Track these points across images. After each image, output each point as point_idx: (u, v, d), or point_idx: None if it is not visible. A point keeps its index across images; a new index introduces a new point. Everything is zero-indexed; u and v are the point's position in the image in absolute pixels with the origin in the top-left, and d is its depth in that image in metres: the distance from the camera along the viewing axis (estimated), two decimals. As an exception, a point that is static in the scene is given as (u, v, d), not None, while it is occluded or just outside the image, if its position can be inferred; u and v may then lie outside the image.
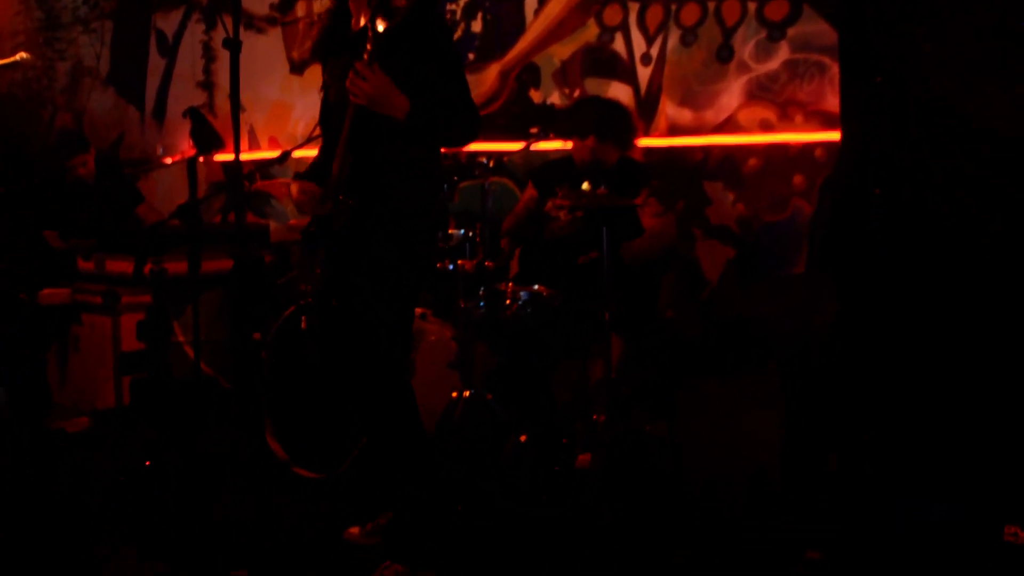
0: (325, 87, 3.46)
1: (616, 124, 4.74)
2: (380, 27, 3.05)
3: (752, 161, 4.99)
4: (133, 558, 3.56)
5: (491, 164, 4.15)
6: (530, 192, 4.87)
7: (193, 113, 6.92)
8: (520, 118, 5.64)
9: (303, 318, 4.19)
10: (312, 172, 3.51)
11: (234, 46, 3.06)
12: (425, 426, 4.12)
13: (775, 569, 3.30)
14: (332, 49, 3.43)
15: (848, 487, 3.38)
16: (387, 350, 3.30)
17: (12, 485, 4.19)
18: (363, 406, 3.42)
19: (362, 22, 3.33)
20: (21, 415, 5.01)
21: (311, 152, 3.66)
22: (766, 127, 4.97)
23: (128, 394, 5.56)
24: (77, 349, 5.69)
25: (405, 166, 3.27)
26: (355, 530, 3.65)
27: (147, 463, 4.42)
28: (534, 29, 5.62)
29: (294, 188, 3.41)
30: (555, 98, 5.57)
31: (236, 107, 3.09)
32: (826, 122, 4.78)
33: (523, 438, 4.01)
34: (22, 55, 4.64)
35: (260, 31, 6.72)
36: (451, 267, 4.08)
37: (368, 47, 3.11)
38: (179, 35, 7.20)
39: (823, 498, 3.40)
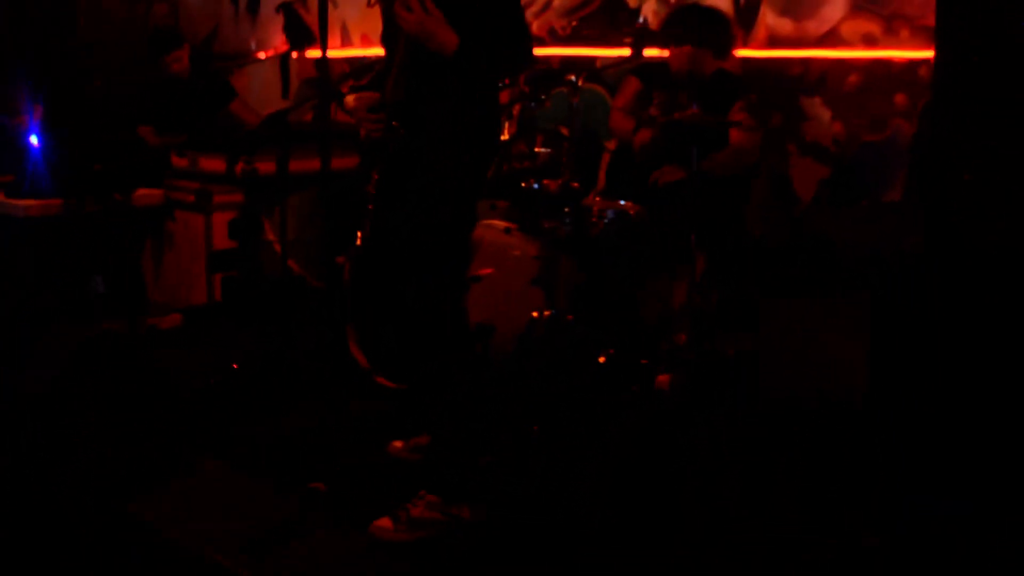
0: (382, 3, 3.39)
1: (713, 33, 4.62)
2: None
3: (853, 77, 4.80)
4: (218, 468, 3.67)
5: (580, 82, 4.06)
6: (633, 85, 4.79)
7: (286, 8, 6.99)
8: (615, 24, 5.51)
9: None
10: (371, 83, 3.46)
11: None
12: (508, 339, 4.17)
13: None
14: None
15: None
16: (431, 277, 3.27)
17: (104, 385, 4.31)
18: (416, 324, 3.41)
19: None
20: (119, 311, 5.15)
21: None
22: (869, 41, 4.76)
23: (219, 291, 5.68)
24: (171, 245, 5.79)
25: (456, 95, 3.19)
26: (399, 444, 3.68)
27: (234, 366, 4.52)
28: (632, -69, 5.44)
29: (350, 99, 3.34)
30: (651, 4, 5.40)
31: (324, 31, 3.04)
32: (933, 38, 4.55)
33: (602, 359, 4.02)
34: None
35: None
36: (536, 185, 4.03)
37: None
38: (275, -72, 7.14)
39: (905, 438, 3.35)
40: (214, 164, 5.81)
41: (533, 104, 4.06)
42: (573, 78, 4.05)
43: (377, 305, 3.49)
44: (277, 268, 5.96)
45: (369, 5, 3.43)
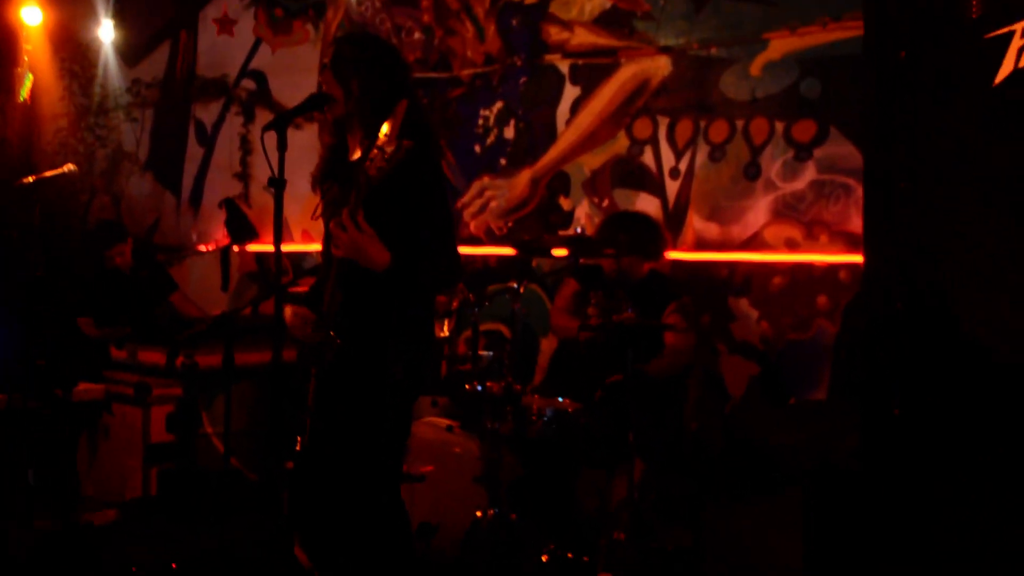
0: (322, 213, 3.53)
1: (645, 238, 4.84)
2: (367, 177, 3.07)
3: (777, 279, 5.06)
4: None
5: (521, 290, 4.24)
6: (572, 287, 4.97)
7: (229, 204, 7.15)
8: (549, 227, 5.76)
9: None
10: (309, 296, 3.58)
11: (279, 185, 3.16)
12: (451, 538, 4.21)
13: None
14: (328, 178, 3.52)
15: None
16: (372, 481, 3.33)
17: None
18: (355, 531, 3.45)
19: (356, 154, 3.42)
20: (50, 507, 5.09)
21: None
22: (792, 246, 5.04)
23: (155, 485, 5.65)
24: (107, 438, 5.77)
25: (391, 307, 3.31)
26: None
27: (173, 565, 4.48)
28: (565, 139, 5.75)
29: (288, 312, 3.45)
30: (584, 207, 5.67)
31: (279, 238, 3.17)
32: (851, 243, 4.85)
33: (544, 558, 4.07)
34: (69, 167, 4.78)
35: (297, 127, 6.87)
36: (479, 388, 4.15)
37: (353, 195, 3.15)
38: (217, 126, 7.37)
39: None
40: (154, 357, 5.87)
41: (476, 309, 4.21)
42: (515, 285, 4.22)
43: (317, 508, 3.52)
44: (213, 461, 5.97)
45: (313, 218, 3.60)
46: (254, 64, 7.16)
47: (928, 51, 2.42)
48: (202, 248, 7.32)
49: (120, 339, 6.10)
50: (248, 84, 7.19)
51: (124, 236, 6.55)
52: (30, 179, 4.70)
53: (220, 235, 7.20)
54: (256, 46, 7.16)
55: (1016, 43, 2.20)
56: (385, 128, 3.02)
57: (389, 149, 3.00)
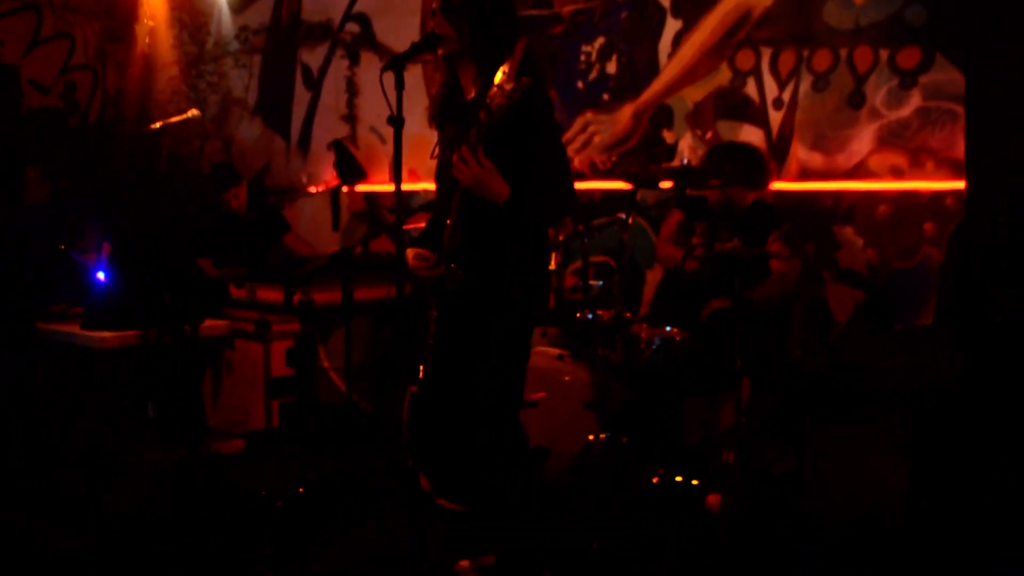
0: (438, 151, 3.67)
1: (750, 168, 4.90)
2: (488, 114, 3.21)
3: (883, 207, 5.07)
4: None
5: (630, 221, 4.34)
6: (677, 217, 5.07)
7: (337, 145, 7.36)
8: (653, 158, 5.83)
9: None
10: (425, 235, 3.74)
11: (398, 123, 3.31)
12: (564, 462, 4.37)
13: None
14: (445, 117, 3.66)
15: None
16: (497, 404, 3.51)
17: (175, 509, 4.52)
18: (478, 450, 3.63)
19: (472, 93, 3.53)
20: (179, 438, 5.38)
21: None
22: (897, 174, 5.05)
23: (277, 416, 5.93)
24: (230, 372, 6.05)
25: (510, 240, 3.45)
26: (465, 563, 3.82)
27: (300, 490, 4.73)
28: (668, 72, 5.79)
29: (409, 254, 3.59)
30: (687, 139, 5.73)
31: (399, 176, 3.31)
32: (957, 170, 4.83)
33: (655, 479, 4.21)
34: (193, 112, 4.99)
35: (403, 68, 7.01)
36: (590, 316, 4.28)
37: (473, 132, 3.29)
38: (324, 70, 7.54)
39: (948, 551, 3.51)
40: (272, 295, 6.12)
41: (585, 240, 4.33)
42: (624, 215, 4.33)
43: (438, 433, 3.69)
44: (331, 394, 6.22)
45: (432, 157, 3.74)
46: (357, 8, 7.29)
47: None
48: (312, 189, 7.53)
49: (238, 278, 6.36)
50: (352, 27, 7.33)
51: (239, 179, 6.80)
52: (157, 125, 4.92)
53: (329, 176, 7.40)
54: (359, -11, 7.29)
55: None
56: (504, 67, 3.14)
57: (508, 87, 3.12)
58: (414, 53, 3.49)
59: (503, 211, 3.35)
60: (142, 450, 4.88)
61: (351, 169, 7.23)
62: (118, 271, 5.41)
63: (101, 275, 5.53)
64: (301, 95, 7.72)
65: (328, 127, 7.51)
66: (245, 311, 6.08)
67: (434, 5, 3.53)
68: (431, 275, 3.54)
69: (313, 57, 7.60)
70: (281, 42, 7.79)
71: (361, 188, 7.25)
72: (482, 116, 3.23)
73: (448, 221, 3.49)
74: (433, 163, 3.74)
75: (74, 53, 8.46)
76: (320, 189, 7.48)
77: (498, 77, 3.18)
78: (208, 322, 5.50)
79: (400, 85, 3.31)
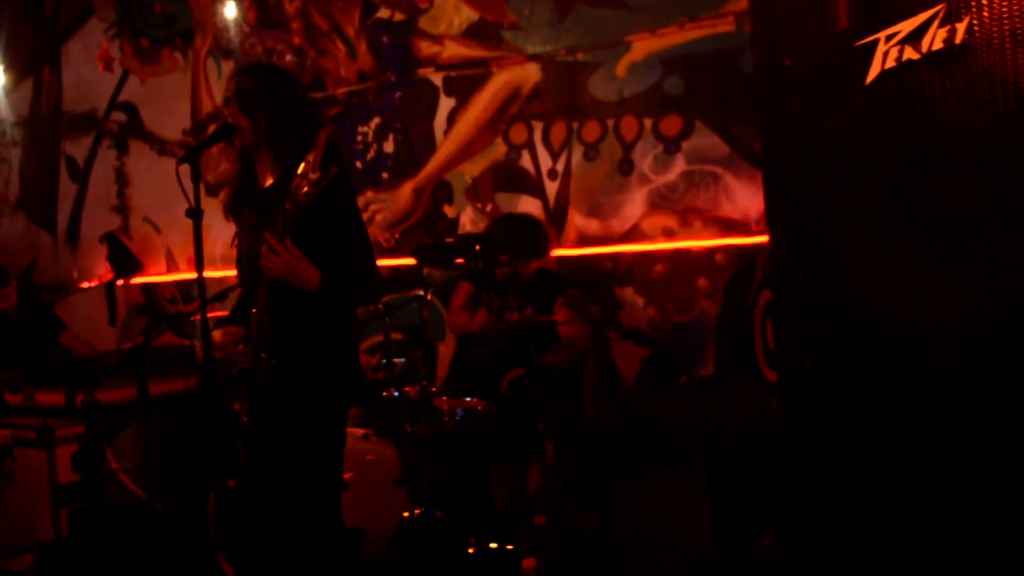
0: (239, 240, 3.65)
1: (532, 238, 5.08)
2: (295, 203, 3.21)
3: (658, 266, 5.37)
4: None
5: (429, 297, 4.43)
6: (467, 288, 5.18)
7: (110, 238, 7.17)
8: (434, 234, 5.96)
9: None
10: (233, 319, 3.70)
11: (196, 215, 3.30)
12: (379, 539, 4.38)
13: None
14: (242, 205, 3.65)
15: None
16: (316, 492, 3.49)
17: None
18: (299, 543, 3.61)
19: (269, 180, 3.55)
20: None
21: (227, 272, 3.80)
22: (669, 234, 5.36)
23: (67, 525, 5.66)
24: (12, 484, 5.75)
25: (321, 325, 3.47)
26: None
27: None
28: (445, 148, 5.96)
29: (216, 334, 3.56)
30: (468, 213, 5.89)
31: (200, 266, 3.30)
32: (724, 227, 5.18)
33: (471, 550, 4.28)
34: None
35: (174, 156, 6.92)
36: (396, 394, 4.33)
37: (280, 220, 3.28)
38: (90, 160, 7.35)
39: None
40: (51, 398, 5.86)
41: (388, 319, 4.40)
42: (422, 292, 4.42)
43: (259, 525, 3.64)
44: (122, 495, 5.99)
45: (232, 246, 3.73)
46: (123, 96, 7.17)
47: (808, 58, 2.74)
48: (85, 285, 7.28)
49: (13, 383, 6.06)
50: (119, 116, 7.19)
51: (7, 278, 6.49)
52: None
53: (102, 270, 7.19)
54: (124, 79, 7.16)
55: (881, 48, 2.53)
56: (309, 156, 3.18)
57: (314, 176, 3.16)
58: (209, 144, 3.50)
59: (316, 296, 3.37)
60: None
61: (126, 261, 7.06)
62: None
63: None
64: (67, 188, 7.49)
65: (98, 219, 7.31)
66: (23, 417, 5.80)
67: (227, 94, 3.54)
68: (241, 359, 3.51)
69: (78, 148, 7.41)
70: (43, 134, 7.54)
71: (138, 280, 7.07)
72: (288, 206, 3.26)
73: (254, 309, 3.48)
74: (214, 250, 3.72)
75: None
76: (93, 284, 7.25)
77: (301, 167, 3.22)
78: (-15, 433, 5.23)
79: (197, 177, 3.32)
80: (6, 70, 7.45)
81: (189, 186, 3.27)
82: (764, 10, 2.81)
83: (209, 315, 4.81)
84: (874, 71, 2.56)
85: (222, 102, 3.69)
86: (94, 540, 5.58)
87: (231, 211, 3.71)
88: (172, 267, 6.99)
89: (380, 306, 4.37)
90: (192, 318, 5.02)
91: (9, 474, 5.72)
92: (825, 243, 2.72)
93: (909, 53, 2.51)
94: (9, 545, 5.51)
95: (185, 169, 3.30)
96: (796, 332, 2.83)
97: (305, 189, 3.16)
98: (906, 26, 2.52)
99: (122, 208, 7.21)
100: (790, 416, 2.91)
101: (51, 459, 5.64)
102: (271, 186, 3.54)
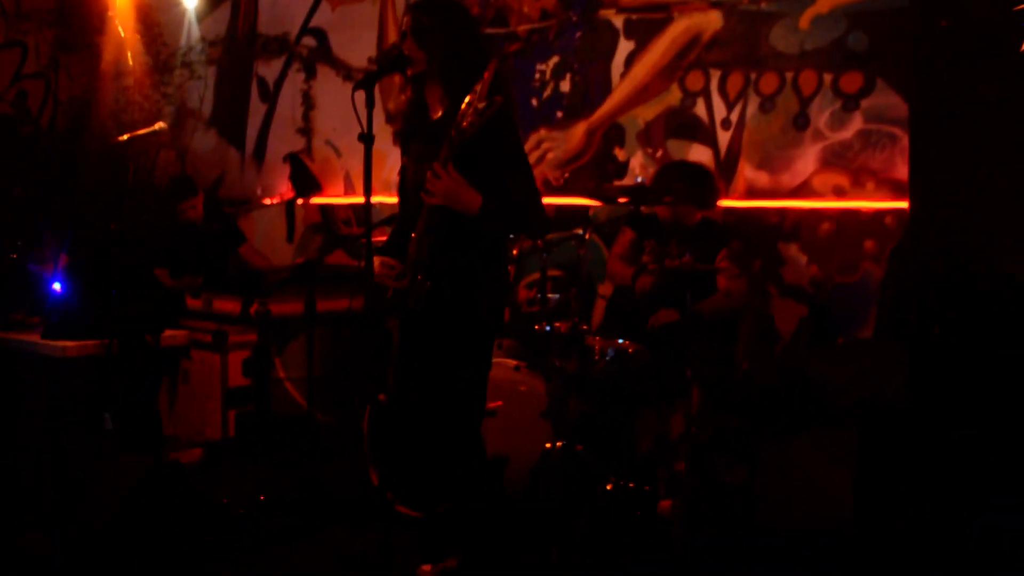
0: (403, 169, 3.82)
1: (699, 187, 5.08)
2: (460, 130, 3.36)
3: (825, 225, 5.29)
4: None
5: (587, 236, 4.50)
6: (629, 235, 5.23)
7: (293, 158, 7.45)
8: (605, 176, 6.00)
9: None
10: (389, 246, 3.86)
11: (368, 140, 3.44)
12: (520, 469, 4.51)
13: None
14: (410, 135, 3.81)
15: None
16: (460, 415, 3.65)
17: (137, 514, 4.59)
18: (441, 461, 3.76)
19: (438, 112, 3.69)
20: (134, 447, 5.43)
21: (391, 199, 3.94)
22: (839, 193, 5.26)
23: (233, 426, 6.00)
24: (186, 382, 6.10)
25: (476, 252, 3.61)
26: (427, 568, 3.91)
27: (262, 497, 4.82)
28: (620, 91, 5.97)
29: (376, 262, 3.71)
30: (638, 157, 5.90)
31: (369, 190, 3.44)
32: (897, 190, 5.06)
33: (609, 486, 4.36)
34: (160, 125, 5.06)
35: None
36: (548, 328, 4.43)
37: (445, 147, 3.44)
38: (279, 83, 7.63)
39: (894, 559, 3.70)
40: (228, 305, 6.19)
41: (545, 255, 4.49)
42: (581, 231, 4.49)
43: (401, 442, 3.81)
44: (286, 405, 6.30)
45: (398, 173, 3.88)
46: (314, 22, 7.40)
47: (966, 19, 2.67)
48: (267, 201, 7.61)
49: (195, 289, 6.42)
50: (309, 41, 7.43)
51: (196, 190, 6.84)
52: (125, 137, 4.98)
53: (284, 188, 7.49)
54: (316, 4, 7.38)
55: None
56: (476, 86, 3.29)
57: (480, 105, 3.27)
58: (384, 72, 3.64)
59: (475, 221, 3.48)
60: (109, 458, 4.92)
61: (307, 182, 7.31)
62: (77, 282, 5.44)
63: (57, 286, 5.57)
64: (256, 107, 7.80)
65: (283, 139, 7.60)
66: (201, 322, 6.14)
67: (404, 27, 3.66)
68: (396, 285, 3.66)
69: (269, 70, 7.69)
70: (237, 55, 7.86)
71: (316, 201, 7.34)
72: (453, 132, 3.38)
73: (414, 233, 3.62)
74: (391, 177, 3.86)
75: (26, 61, 8.46)
76: (275, 201, 7.56)
77: (472, 94, 3.33)
78: (167, 332, 5.56)
79: (371, 103, 3.46)
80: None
81: (363, 112, 3.41)
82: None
83: (376, 239, 5.02)
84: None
85: (398, 35, 3.81)
86: (259, 443, 5.91)
87: (400, 138, 3.86)
88: (349, 190, 7.23)
89: (540, 242, 4.47)
90: (361, 240, 5.19)
91: (184, 374, 6.08)
92: (969, 211, 2.66)
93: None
94: (180, 438, 5.89)
95: (360, 95, 3.44)
96: (928, 296, 2.79)
97: (471, 118, 3.26)
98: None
99: (306, 130, 7.47)
100: (916, 378, 2.87)
101: (224, 363, 5.98)
102: (439, 118, 3.66)
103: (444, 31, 3.60)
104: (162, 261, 6.69)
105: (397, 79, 6.97)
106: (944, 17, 2.65)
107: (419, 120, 3.78)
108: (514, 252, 4.87)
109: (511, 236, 4.20)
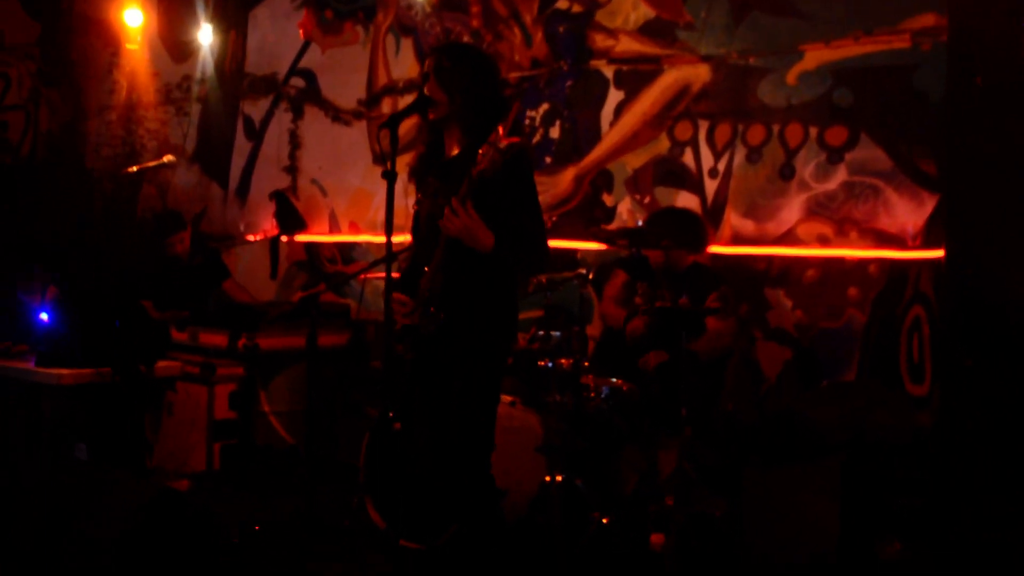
0: (418, 203, 3.94)
1: (690, 232, 5.23)
2: (480, 169, 3.49)
3: (810, 272, 5.46)
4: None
5: (590, 276, 4.63)
6: (621, 277, 5.36)
7: (278, 196, 7.55)
8: (592, 220, 6.15)
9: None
10: (401, 282, 3.97)
11: (391, 176, 3.55)
12: (516, 502, 4.60)
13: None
14: (426, 172, 3.93)
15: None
16: (470, 447, 3.73)
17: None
18: (449, 492, 3.84)
19: (455, 151, 3.82)
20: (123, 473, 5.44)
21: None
22: (823, 241, 5.44)
23: (219, 459, 6.03)
24: (171, 414, 6.13)
25: (488, 287, 3.73)
26: None
27: (256, 528, 4.86)
28: (609, 139, 6.14)
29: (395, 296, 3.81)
30: (626, 203, 6.06)
31: (390, 226, 3.54)
32: (879, 240, 5.25)
33: (605, 520, 4.46)
34: (169, 157, 5.14)
35: (346, 124, 7.26)
36: (550, 364, 4.54)
37: (464, 185, 3.57)
38: (266, 121, 7.74)
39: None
40: (215, 339, 6.26)
41: (549, 293, 4.62)
42: (584, 271, 4.63)
43: (406, 474, 3.89)
44: (270, 438, 6.34)
45: (412, 208, 3.99)
46: (303, 63, 7.52)
47: (1000, 76, 2.85)
48: (251, 238, 7.68)
49: (180, 321, 6.47)
50: (297, 82, 7.55)
51: (184, 225, 6.90)
52: (134, 169, 5.06)
53: (268, 225, 7.57)
54: (306, 46, 7.52)
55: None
56: (500, 127, 3.43)
57: (503, 145, 3.41)
58: (407, 113, 3.75)
59: (488, 258, 3.60)
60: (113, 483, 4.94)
61: (292, 219, 7.42)
62: (68, 311, 5.48)
63: (44, 316, 5.60)
64: (241, 145, 7.89)
65: (268, 177, 7.69)
66: (187, 354, 6.19)
67: (426, 69, 3.79)
68: (405, 322, 3.77)
69: (255, 109, 7.80)
70: (223, 93, 7.95)
71: (301, 238, 7.43)
72: (474, 173, 3.50)
73: (427, 268, 3.74)
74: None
75: (8, 93, 8.51)
76: (259, 237, 7.63)
77: (491, 137, 3.46)
78: (160, 363, 5.60)
79: (395, 142, 3.57)
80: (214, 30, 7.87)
81: (388, 149, 3.53)
82: (960, 27, 2.93)
83: (375, 276, 5.11)
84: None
85: (420, 77, 3.94)
86: (243, 474, 5.95)
87: (416, 176, 3.98)
88: (334, 228, 7.32)
89: (544, 279, 4.59)
90: (359, 278, 5.29)
91: (169, 405, 6.11)
92: (1002, 255, 2.83)
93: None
94: (166, 470, 5.90)
95: (385, 134, 3.57)
96: (961, 332, 2.94)
97: (493, 156, 3.40)
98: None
99: (292, 169, 7.57)
100: (946, 409, 3.02)
101: (211, 395, 6.03)
102: (456, 156, 3.79)
103: (465, 73, 3.73)
104: (148, 293, 6.74)
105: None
106: (979, 75, 2.84)
107: (434, 158, 3.90)
108: (529, 290, 4.98)
109: (523, 274, 4.32)
